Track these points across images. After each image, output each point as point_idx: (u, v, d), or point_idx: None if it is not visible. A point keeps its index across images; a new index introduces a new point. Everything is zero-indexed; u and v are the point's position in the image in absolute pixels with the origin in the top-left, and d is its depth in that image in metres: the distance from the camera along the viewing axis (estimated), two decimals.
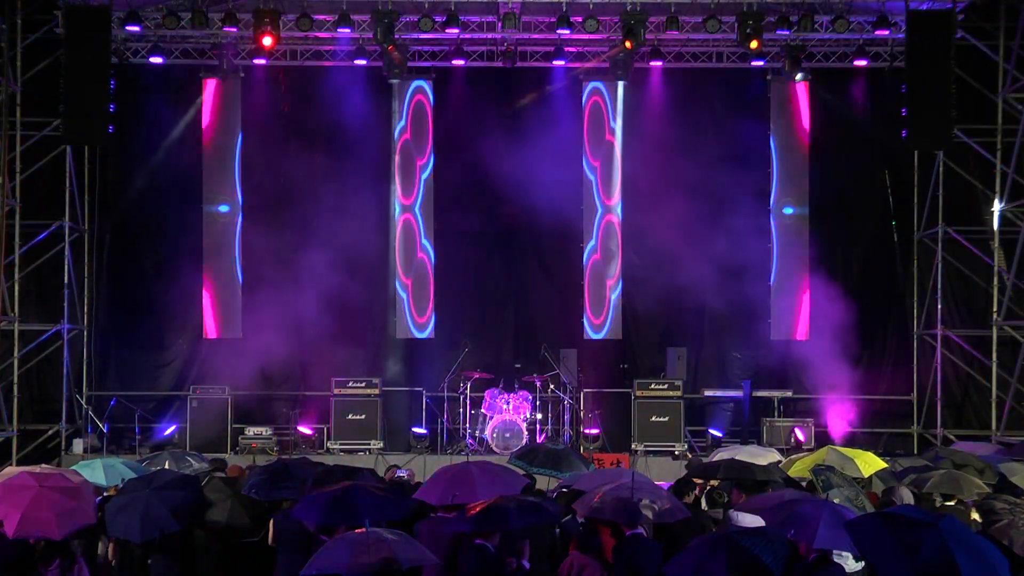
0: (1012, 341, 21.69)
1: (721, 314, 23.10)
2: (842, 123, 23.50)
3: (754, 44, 21.25)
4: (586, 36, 21.90)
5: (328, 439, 21.83)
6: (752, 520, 10.20)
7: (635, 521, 10.32)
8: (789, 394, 22.49)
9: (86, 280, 22.75)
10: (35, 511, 10.44)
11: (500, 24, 21.53)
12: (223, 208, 23.16)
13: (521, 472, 14.36)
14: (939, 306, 22.60)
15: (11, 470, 12.02)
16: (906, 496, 12.71)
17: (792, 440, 21.42)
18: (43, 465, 14.55)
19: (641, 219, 23.19)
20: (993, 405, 21.64)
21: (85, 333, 22.74)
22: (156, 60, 22.48)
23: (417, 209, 23.32)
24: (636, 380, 22.09)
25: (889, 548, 7.46)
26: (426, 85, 23.19)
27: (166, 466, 15.35)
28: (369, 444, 21.58)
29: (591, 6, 21.23)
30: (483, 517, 10.00)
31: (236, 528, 11.95)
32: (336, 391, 21.86)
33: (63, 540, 10.62)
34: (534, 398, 21.73)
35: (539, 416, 21.75)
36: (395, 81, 22.93)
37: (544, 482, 15.21)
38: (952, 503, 13.29)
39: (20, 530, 10.38)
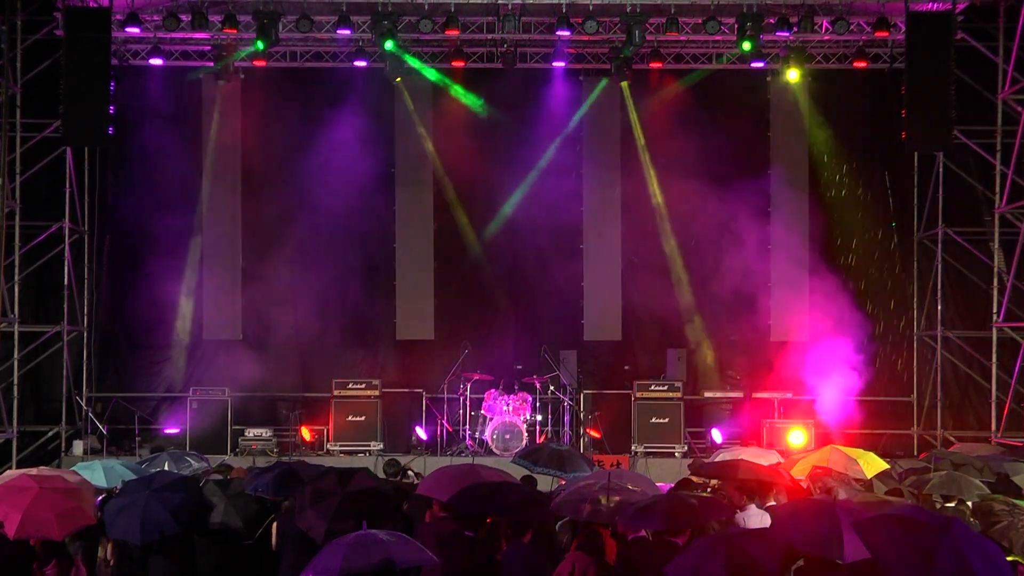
0: (1012, 342, 21.66)
1: (721, 315, 23.09)
2: (842, 124, 23.51)
3: (747, 45, 21.27)
4: (586, 37, 21.89)
5: (328, 440, 21.81)
6: (758, 520, 10.21)
7: (638, 524, 10.37)
8: (789, 395, 22.47)
9: (86, 281, 22.73)
10: (35, 512, 10.46)
11: (500, 25, 21.53)
12: (222, 209, 23.17)
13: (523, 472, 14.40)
14: (939, 307, 22.61)
15: (11, 472, 12.01)
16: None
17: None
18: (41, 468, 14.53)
19: (641, 220, 23.20)
20: (993, 406, 21.62)
21: (85, 334, 22.73)
22: (156, 62, 22.51)
23: (417, 210, 23.31)
24: (636, 381, 22.07)
25: (905, 553, 7.38)
26: (425, 86, 23.20)
27: (165, 467, 15.36)
28: (369, 446, 21.56)
29: (591, 7, 21.21)
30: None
31: (231, 530, 11.96)
32: (336, 392, 21.84)
33: (62, 541, 10.62)
34: (534, 399, 21.71)
35: (539, 417, 21.74)
36: (396, 81, 22.93)
37: (546, 483, 15.21)
38: (952, 504, 13.30)
39: (21, 531, 10.39)
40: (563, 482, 14.59)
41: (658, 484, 14.21)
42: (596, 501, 10.96)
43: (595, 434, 21.68)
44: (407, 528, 10.82)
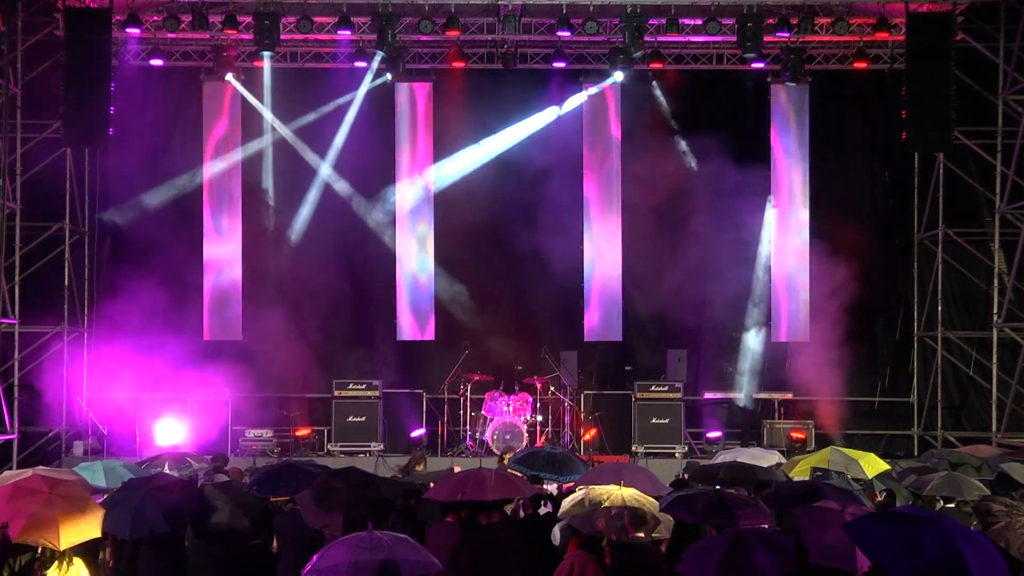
0: (1012, 343, 21.69)
1: (721, 316, 23.09)
2: (842, 125, 23.52)
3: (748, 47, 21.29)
4: (586, 38, 21.90)
5: (328, 441, 21.82)
6: None
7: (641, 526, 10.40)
8: (790, 396, 22.49)
9: (86, 282, 22.75)
10: (41, 519, 10.28)
11: (500, 26, 21.54)
12: (222, 210, 23.17)
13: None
14: (939, 308, 22.62)
15: (24, 471, 11.87)
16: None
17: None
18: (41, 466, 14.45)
19: (641, 220, 23.19)
20: (993, 407, 21.64)
21: (85, 335, 22.73)
22: (156, 62, 22.51)
23: (417, 211, 23.33)
24: (636, 382, 22.09)
25: (893, 545, 7.44)
26: (426, 87, 23.20)
27: (165, 468, 15.35)
28: (369, 446, 21.57)
29: (591, 8, 21.22)
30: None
31: (238, 531, 11.95)
32: (336, 393, 21.85)
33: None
34: (534, 400, 21.73)
35: (539, 418, 21.75)
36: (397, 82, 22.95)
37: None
38: (952, 505, 13.30)
39: (24, 536, 10.27)
40: (567, 486, 14.59)
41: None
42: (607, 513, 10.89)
43: (589, 435, 21.61)
44: (417, 531, 10.85)
